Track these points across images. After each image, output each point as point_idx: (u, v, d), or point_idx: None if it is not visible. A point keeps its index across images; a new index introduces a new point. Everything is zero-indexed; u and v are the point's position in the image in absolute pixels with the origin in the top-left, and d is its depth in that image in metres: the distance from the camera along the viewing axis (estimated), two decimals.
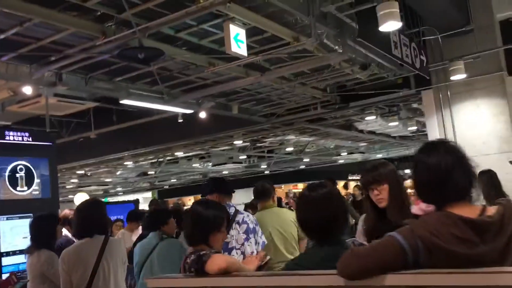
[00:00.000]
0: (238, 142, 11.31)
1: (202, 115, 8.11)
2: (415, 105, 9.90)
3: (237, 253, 3.75)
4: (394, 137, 13.79)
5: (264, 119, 8.67)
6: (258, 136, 11.13)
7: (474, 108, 7.04)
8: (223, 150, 13.11)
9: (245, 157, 15.32)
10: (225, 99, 7.46)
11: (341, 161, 20.44)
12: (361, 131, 11.90)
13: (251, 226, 3.89)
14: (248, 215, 3.97)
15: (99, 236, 3.50)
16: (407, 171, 25.86)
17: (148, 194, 27.31)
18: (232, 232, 3.78)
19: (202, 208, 2.48)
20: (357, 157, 19.02)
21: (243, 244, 3.79)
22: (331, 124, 10.43)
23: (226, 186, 4.16)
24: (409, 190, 2.74)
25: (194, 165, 15.65)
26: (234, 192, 4.22)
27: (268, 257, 2.55)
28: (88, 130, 9.73)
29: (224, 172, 20.87)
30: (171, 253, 4.01)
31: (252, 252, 3.79)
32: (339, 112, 8.61)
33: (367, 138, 13.07)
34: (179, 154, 12.78)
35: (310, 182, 2.44)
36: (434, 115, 7.37)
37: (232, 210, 3.90)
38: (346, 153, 16.28)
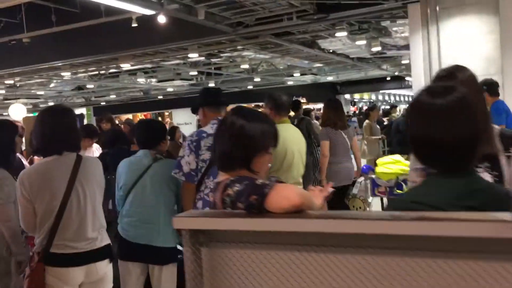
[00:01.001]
0: (194, 55, 10.29)
1: (162, 19, 7.06)
2: (385, 23, 9.33)
3: None
4: (352, 59, 13.29)
5: (230, 29, 7.74)
6: (215, 50, 10.17)
7: (462, 25, 6.56)
8: (175, 64, 12.03)
9: (195, 73, 14.29)
10: (191, 1, 6.44)
11: (289, 83, 19.90)
12: (323, 50, 11.25)
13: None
14: None
15: (69, 154, 2.71)
16: (347, 96, 25.96)
17: (82, 110, 25.64)
18: None
19: (244, 120, 1.78)
20: (307, 79, 18.54)
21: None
22: (297, 40, 9.67)
23: (220, 97, 3.45)
24: None
25: (138, 79, 14.43)
26: (227, 105, 3.52)
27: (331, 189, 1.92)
28: (19, 32, 8.36)
29: (168, 90, 19.76)
30: (168, 177, 3.33)
31: None
32: (315, 25, 7.85)
33: (327, 58, 12.47)
34: (126, 66, 11.55)
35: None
36: (419, 31, 6.83)
37: None
38: (299, 74, 15.67)
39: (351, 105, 31.80)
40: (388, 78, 23.09)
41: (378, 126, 9.64)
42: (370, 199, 4.01)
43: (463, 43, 6.54)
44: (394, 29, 9.94)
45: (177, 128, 9.57)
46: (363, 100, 36.01)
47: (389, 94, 35.38)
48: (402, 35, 10.58)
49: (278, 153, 3.55)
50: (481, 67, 6.43)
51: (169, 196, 3.45)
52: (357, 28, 9.30)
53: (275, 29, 7.94)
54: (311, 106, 30.41)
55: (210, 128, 3.21)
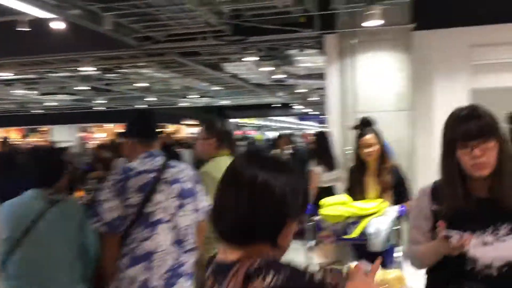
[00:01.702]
0: (88, 69, 9.30)
1: (57, 25, 6.15)
2: (293, 51, 9.30)
3: (164, 229, 2.52)
4: (251, 84, 13.18)
5: (136, 43, 7.05)
6: (113, 64, 9.31)
7: (377, 60, 6.65)
8: (62, 76, 10.82)
9: (83, 88, 13.06)
10: (99, 7, 5.68)
11: (182, 104, 19.32)
12: (226, 73, 10.95)
13: (187, 185, 2.67)
14: (183, 169, 2.72)
15: None
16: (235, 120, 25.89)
17: None
18: (158, 196, 2.52)
19: (268, 172, 1.24)
20: (203, 101, 18.14)
21: (174, 215, 2.56)
22: (203, 61, 9.23)
23: (155, 127, 2.85)
24: None
25: (16, 91, 12.81)
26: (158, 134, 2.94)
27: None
28: None
29: (45, 104, 17.99)
30: (75, 226, 2.60)
31: (188, 226, 2.60)
32: (231, 47, 7.47)
33: (228, 81, 12.18)
34: (6, 75, 10.09)
35: None
36: (335, 62, 6.80)
37: (157, 162, 2.63)
38: (197, 96, 15.19)
39: (237, 129, 32.16)
40: (277, 105, 23.61)
41: None
42: (311, 243, 3.64)
43: (377, 78, 6.62)
44: (298, 58, 9.98)
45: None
46: (249, 125, 36.65)
47: (275, 120, 36.38)
48: (305, 65, 10.70)
49: None
50: (393, 103, 6.55)
51: (75, 253, 2.61)
52: (265, 54, 9.15)
53: (187, 48, 7.43)
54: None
55: (140, 164, 2.59)
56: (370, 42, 6.63)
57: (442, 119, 6.59)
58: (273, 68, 9.97)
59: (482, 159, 1.74)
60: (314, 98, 18.47)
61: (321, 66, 9.99)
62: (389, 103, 6.57)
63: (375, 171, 3.68)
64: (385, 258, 3.53)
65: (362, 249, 3.51)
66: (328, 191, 5.71)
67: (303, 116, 33.61)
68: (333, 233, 3.50)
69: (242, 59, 9.10)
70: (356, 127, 6.04)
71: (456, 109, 1.90)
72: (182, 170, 2.66)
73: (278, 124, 38.92)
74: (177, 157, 6.77)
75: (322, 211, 3.46)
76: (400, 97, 6.54)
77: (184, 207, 2.59)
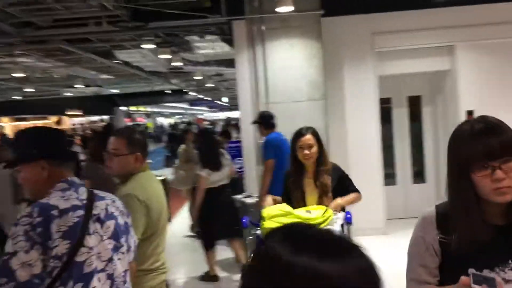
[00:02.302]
0: None
1: None
2: (193, 38, 8.72)
3: (100, 279, 1.91)
4: (145, 72, 12.34)
5: (15, 30, 6.02)
6: None
7: (288, 48, 6.37)
8: None
9: None
10: None
11: (67, 94, 17.71)
12: (118, 61, 10.05)
13: (121, 220, 2.06)
14: (113, 200, 2.11)
15: None
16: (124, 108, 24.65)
17: None
18: (90, 240, 1.90)
19: (321, 259, 0.74)
20: (89, 91, 16.74)
21: (111, 260, 1.96)
22: (93, 49, 8.29)
23: (64, 142, 2.19)
24: None
25: None
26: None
27: None
28: None
29: None
30: None
31: (125, 272, 2.03)
32: (128, 33, 6.69)
33: (119, 70, 11.23)
34: None
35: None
36: (245, 50, 6.41)
37: (81, 194, 1.97)
38: (82, 86, 13.90)
39: (127, 117, 30.62)
40: (169, 92, 22.73)
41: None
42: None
43: (289, 66, 6.36)
44: (198, 44, 9.42)
45: None
46: (139, 112, 35.14)
47: (167, 107, 35.27)
48: (204, 51, 10.17)
49: (155, 211, 2.50)
50: (307, 92, 6.35)
51: None
52: (162, 41, 8.47)
53: (77, 35, 6.53)
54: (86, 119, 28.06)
55: (61, 200, 1.92)
56: (280, 29, 6.33)
57: (353, 107, 6.50)
58: (171, 56, 9.30)
59: (505, 181, 1.45)
60: (209, 85, 18.01)
61: (222, 53, 9.58)
62: (302, 93, 6.35)
63: (313, 173, 3.36)
64: None
65: None
66: (219, 192, 5.32)
67: (195, 102, 32.97)
68: None
69: (139, 46, 8.32)
70: (255, 122, 5.77)
71: (465, 123, 1.58)
72: (113, 201, 2.06)
73: (170, 110, 37.85)
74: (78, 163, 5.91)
75: (265, 224, 3.07)
76: (313, 86, 6.35)
77: (120, 249, 2.00)
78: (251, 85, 6.40)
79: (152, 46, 8.01)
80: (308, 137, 3.33)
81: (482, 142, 1.47)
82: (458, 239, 1.53)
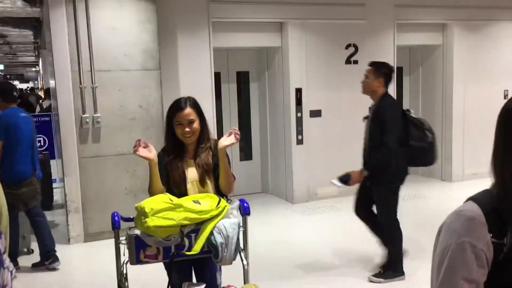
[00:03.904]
0: None
1: None
2: None
3: None
4: None
5: None
6: None
7: (117, 7, 5.49)
8: None
9: None
10: None
11: None
12: None
13: None
14: None
15: None
16: None
17: None
18: None
19: None
20: None
21: None
22: None
23: None
24: None
25: None
26: None
27: None
28: None
29: None
30: None
31: None
32: None
33: None
34: None
35: None
36: (62, 6, 5.27)
37: None
38: None
39: None
40: None
41: None
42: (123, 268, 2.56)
43: (118, 30, 5.49)
44: None
45: None
46: None
47: None
48: None
49: None
50: (139, 61, 5.59)
51: None
52: None
53: None
54: None
55: None
56: None
57: (188, 80, 6.04)
58: None
59: None
60: None
61: (12, 9, 7.95)
62: (134, 61, 5.56)
63: (193, 152, 2.81)
64: (210, 269, 2.79)
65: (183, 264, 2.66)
66: None
67: None
68: (162, 250, 2.52)
69: None
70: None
71: None
72: None
73: None
74: None
75: (148, 221, 2.41)
76: (146, 54, 5.62)
77: None
78: (71, 49, 5.33)
79: None
80: (188, 111, 2.73)
81: None
82: None
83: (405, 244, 4.20)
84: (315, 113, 6.88)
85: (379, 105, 4.03)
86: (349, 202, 6.82)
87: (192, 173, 2.76)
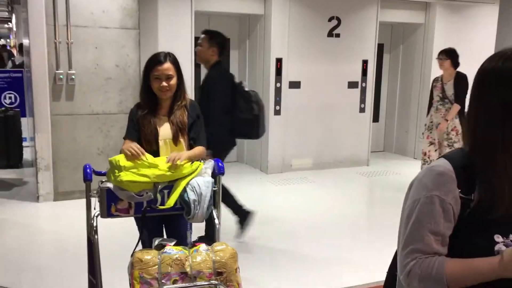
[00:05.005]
0: None
1: None
2: None
3: None
4: None
5: None
6: None
7: None
8: None
9: None
10: None
11: None
12: None
13: None
14: None
15: None
16: None
17: None
18: None
19: None
20: None
21: None
22: None
23: None
24: None
25: None
26: None
27: None
28: None
29: None
30: None
31: None
32: None
33: None
34: None
35: None
36: None
37: None
38: None
39: None
40: None
41: None
42: (93, 220, 2.52)
43: None
44: None
45: None
46: None
47: None
48: None
49: None
50: (118, 18, 5.43)
51: None
52: None
53: None
54: None
55: None
56: None
57: (167, 42, 5.91)
58: None
59: None
60: None
61: None
62: (112, 18, 5.40)
63: (168, 109, 2.75)
64: (181, 227, 2.78)
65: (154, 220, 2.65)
66: None
67: None
68: (134, 205, 2.49)
69: None
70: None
71: (500, 59, 1.26)
72: None
73: None
74: None
75: (122, 175, 2.37)
76: (125, 12, 5.46)
77: None
78: (47, 2, 5.13)
79: None
80: (167, 66, 2.68)
81: None
82: (484, 198, 1.25)
83: (370, 218, 4.26)
84: (294, 85, 6.85)
85: (210, 74, 4.07)
86: (323, 174, 6.93)
87: (165, 130, 2.71)
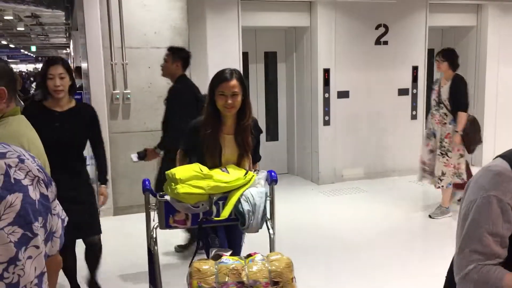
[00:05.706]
0: None
1: None
2: None
3: None
4: None
5: None
6: None
7: None
8: None
9: None
10: None
11: None
12: None
13: (35, 192, 1.16)
14: (21, 158, 1.23)
15: None
16: None
17: None
18: None
19: None
20: None
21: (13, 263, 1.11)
22: None
23: None
24: None
25: None
26: None
27: None
28: None
29: None
30: None
31: (41, 275, 1.24)
32: None
33: None
34: None
35: None
36: None
37: None
38: None
39: None
40: None
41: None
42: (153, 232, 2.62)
43: (149, 8, 5.54)
44: None
45: None
46: None
47: None
48: None
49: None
50: (168, 38, 5.63)
51: None
52: None
53: None
54: None
55: None
56: None
57: (216, 59, 6.04)
58: None
59: None
60: (20, 28, 15.50)
61: None
62: (163, 38, 5.61)
63: (234, 128, 2.78)
64: (235, 240, 2.83)
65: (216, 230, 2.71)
66: None
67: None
68: (190, 216, 2.57)
69: None
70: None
71: None
72: (21, 161, 1.22)
73: None
74: None
75: (178, 188, 2.47)
76: (175, 32, 5.66)
77: (32, 240, 1.18)
78: (103, 26, 5.41)
79: None
80: (233, 83, 2.67)
81: None
82: None
83: (425, 227, 4.13)
84: (343, 94, 6.82)
85: (174, 87, 4.22)
86: (375, 184, 6.83)
87: (229, 150, 2.74)
